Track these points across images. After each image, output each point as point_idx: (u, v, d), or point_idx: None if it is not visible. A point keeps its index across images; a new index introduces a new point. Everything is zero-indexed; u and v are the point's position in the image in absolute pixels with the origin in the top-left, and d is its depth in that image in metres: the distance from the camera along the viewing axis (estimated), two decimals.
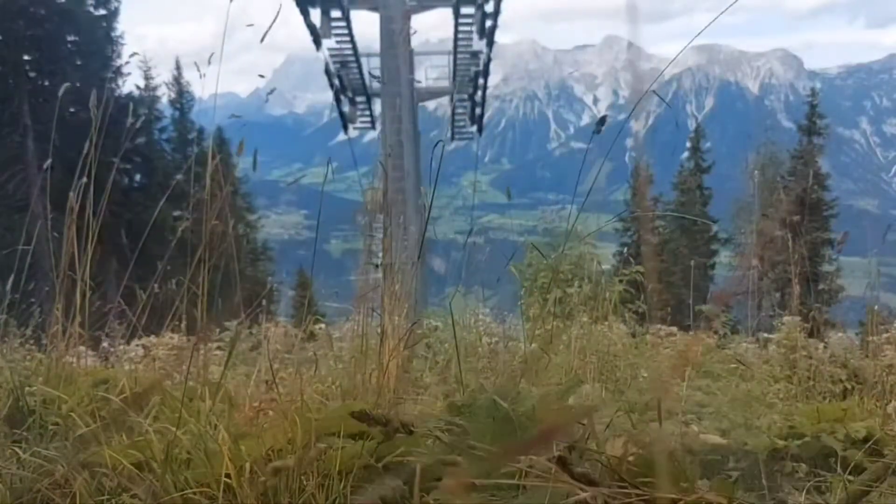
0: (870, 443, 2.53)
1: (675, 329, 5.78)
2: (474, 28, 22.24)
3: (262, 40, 2.28)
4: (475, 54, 23.56)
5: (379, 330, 2.78)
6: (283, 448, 1.61)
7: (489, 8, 21.31)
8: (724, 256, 28.43)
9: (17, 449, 1.84)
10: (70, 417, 1.90)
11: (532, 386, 2.89)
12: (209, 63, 2.44)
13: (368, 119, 26.13)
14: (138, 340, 3.90)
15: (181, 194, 3.86)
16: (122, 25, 25.23)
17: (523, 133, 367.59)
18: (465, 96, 25.84)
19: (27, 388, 2.23)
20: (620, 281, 5.09)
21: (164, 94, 28.48)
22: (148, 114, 25.17)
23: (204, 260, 2.15)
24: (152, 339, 4.09)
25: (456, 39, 22.77)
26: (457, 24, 22.06)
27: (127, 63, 24.50)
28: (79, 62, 23.14)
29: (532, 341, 4.71)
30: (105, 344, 3.91)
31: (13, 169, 20.50)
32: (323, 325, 4.35)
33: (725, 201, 32.07)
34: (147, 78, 26.83)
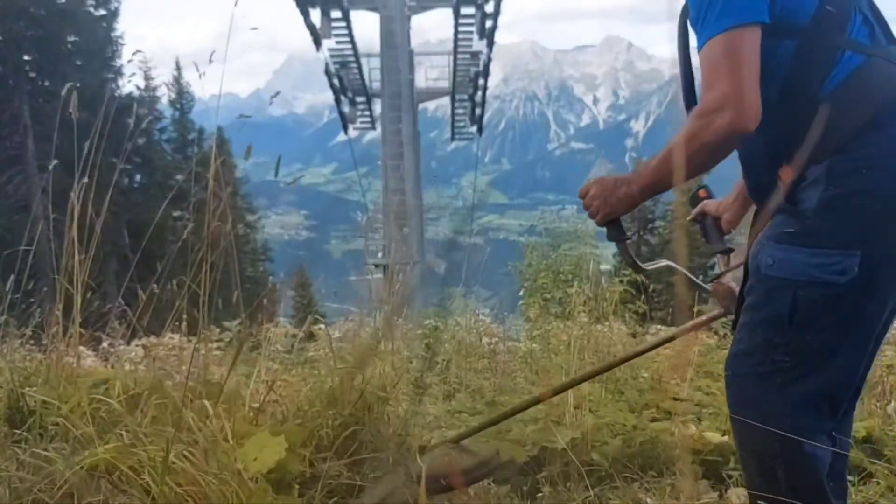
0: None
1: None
2: (474, 28, 22.26)
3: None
4: (475, 55, 23.60)
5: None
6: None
7: (489, 8, 21.36)
8: None
9: (16, 449, 1.84)
10: (70, 418, 1.90)
11: (531, 385, 2.88)
12: (211, 61, 2.43)
13: (368, 119, 26.16)
14: (138, 341, 3.89)
15: (180, 195, 3.86)
16: (122, 25, 25.21)
17: (523, 133, 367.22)
18: (465, 97, 25.87)
19: (27, 389, 2.23)
20: (621, 281, 5.08)
21: (164, 95, 28.43)
22: (148, 114, 25.11)
23: (206, 260, 2.15)
24: (152, 339, 4.07)
25: (456, 40, 22.81)
26: (457, 25, 22.09)
27: (129, 62, 24.49)
28: (79, 62, 23.10)
29: (532, 341, 4.71)
30: (105, 344, 3.90)
31: (13, 169, 20.49)
32: (322, 326, 4.34)
33: None
34: (147, 78, 26.75)
